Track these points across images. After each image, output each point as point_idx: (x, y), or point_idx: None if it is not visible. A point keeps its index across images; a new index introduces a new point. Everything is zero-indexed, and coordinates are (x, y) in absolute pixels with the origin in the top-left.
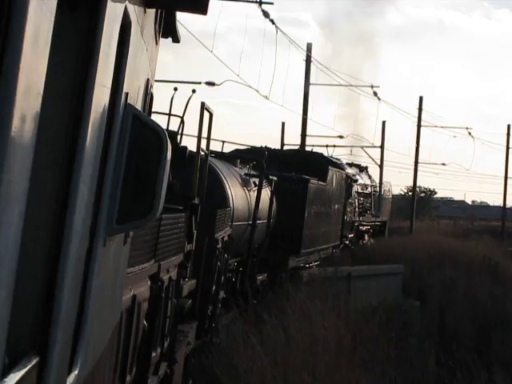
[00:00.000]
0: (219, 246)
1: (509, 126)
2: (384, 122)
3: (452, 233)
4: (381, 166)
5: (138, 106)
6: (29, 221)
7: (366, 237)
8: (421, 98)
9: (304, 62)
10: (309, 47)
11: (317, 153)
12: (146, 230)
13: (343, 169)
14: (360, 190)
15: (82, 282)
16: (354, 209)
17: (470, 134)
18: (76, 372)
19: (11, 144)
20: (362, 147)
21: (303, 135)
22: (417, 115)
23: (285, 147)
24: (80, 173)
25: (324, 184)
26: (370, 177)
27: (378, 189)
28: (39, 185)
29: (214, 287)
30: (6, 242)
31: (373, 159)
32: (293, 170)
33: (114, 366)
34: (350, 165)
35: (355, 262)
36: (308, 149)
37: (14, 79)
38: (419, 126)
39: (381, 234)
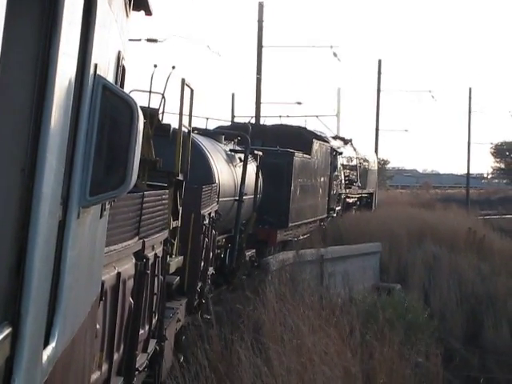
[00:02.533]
0: (206, 222)
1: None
2: (339, 90)
3: (416, 203)
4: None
5: (110, 78)
6: None
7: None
8: (379, 61)
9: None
10: (260, 8)
11: (301, 126)
12: (128, 207)
13: (327, 141)
14: (345, 163)
15: (55, 254)
16: (340, 181)
17: (433, 97)
18: (53, 344)
19: None
20: (316, 116)
21: (258, 102)
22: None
23: (235, 119)
24: (46, 143)
25: (309, 157)
26: (354, 149)
27: (363, 161)
28: (3, 156)
29: (202, 263)
30: None
31: (328, 128)
32: (277, 144)
33: (100, 344)
34: (335, 137)
35: (327, 242)
36: (261, 120)
37: None
38: (379, 90)
39: (368, 206)
